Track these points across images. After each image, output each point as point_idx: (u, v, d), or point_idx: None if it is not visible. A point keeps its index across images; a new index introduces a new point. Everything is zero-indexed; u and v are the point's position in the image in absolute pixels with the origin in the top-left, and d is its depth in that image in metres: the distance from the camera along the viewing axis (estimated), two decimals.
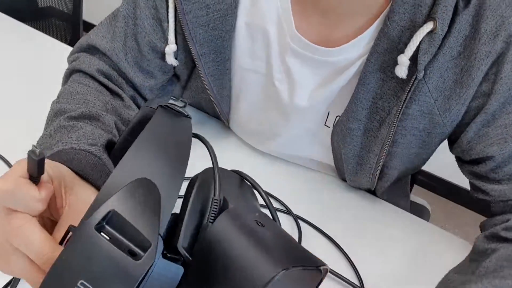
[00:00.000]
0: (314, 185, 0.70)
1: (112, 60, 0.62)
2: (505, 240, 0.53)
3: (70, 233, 0.31)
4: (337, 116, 0.62)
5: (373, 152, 0.60)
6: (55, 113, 0.54)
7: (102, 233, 0.30)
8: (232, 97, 0.67)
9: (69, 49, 0.91)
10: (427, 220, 0.95)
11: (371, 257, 0.60)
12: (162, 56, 0.63)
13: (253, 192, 0.46)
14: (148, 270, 0.30)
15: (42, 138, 0.50)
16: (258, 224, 0.37)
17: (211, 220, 0.36)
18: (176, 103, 0.42)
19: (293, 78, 0.59)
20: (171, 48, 0.61)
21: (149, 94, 0.67)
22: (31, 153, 0.33)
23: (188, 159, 0.37)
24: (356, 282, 0.55)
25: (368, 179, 0.65)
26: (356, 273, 0.57)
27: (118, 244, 0.30)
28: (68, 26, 1.43)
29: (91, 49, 0.63)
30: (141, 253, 0.30)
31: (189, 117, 0.43)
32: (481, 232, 0.59)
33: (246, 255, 0.34)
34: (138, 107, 0.66)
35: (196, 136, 0.42)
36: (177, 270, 0.34)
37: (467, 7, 0.49)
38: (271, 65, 0.60)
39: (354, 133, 0.60)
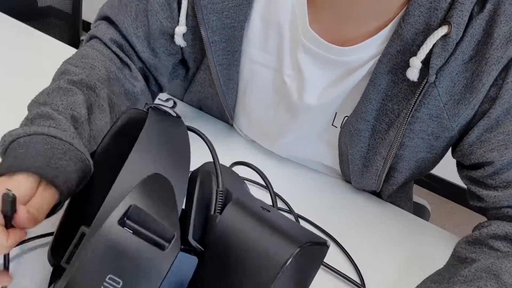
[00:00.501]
0: (317, 185, 0.70)
1: (122, 32, 0.62)
2: (491, 248, 0.52)
3: (83, 233, 0.32)
4: (345, 117, 0.62)
5: (380, 154, 0.60)
6: (61, 72, 0.56)
7: (125, 228, 0.30)
8: (239, 90, 0.67)
9: (68, 48, 0.91)
10: (427, 220, 0.95)
11: (372, 256, 0.60)
12: (168, 37, 0.63)
13: (246, 185, 0.48)
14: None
15: (42, 93, 0.51)
16: (264, 210, 0.38)
17: (218, 211, 0.37)
18: (165, 104, 0.44)
19: (304, 75, 0.59)
20: (180, 29, 0.61)
21: (156, 73, 0.66)
22: (6, 196, 0.36)
23: (190, 155, 0.38)
24: (357, 280, 0.55)
25: (374, 181, 0.64)
26: (356, 270, 0.57)
27: (142, 237, 0.30)
28: (68, 26, 1.43)
29: (107, 19, 0.64)
30: (166, 244, 0.31)
31: (179, 117, 0.43)
32: None
33: (260, 239, 0.35)
34: (146, 79, 0.66)
35: (192, 130, 0.42)
36: (192, 261, 0.35)
37: (482, 11, 0.49)
38: (282, 60, 0.60)
39: (362, 134, 0.60)
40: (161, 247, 0.31)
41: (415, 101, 0.53)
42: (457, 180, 0.63)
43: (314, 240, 0.35)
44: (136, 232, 0.30)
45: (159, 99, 0.43)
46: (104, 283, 0.29)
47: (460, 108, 0.54)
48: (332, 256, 0.58)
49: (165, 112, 0.43)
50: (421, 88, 0.52)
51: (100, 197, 0.46)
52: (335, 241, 0.60)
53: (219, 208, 0.38)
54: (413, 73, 0.51)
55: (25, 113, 0.53)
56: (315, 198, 0.68)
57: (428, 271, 0.55)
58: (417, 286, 0.53)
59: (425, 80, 0.51)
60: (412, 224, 0.67)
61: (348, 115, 0.61)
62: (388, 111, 0.57)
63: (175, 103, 0.45)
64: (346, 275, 0.55)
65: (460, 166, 0.62)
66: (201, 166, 0.44)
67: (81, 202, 0.45)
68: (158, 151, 0.36)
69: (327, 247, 0.37)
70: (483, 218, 0.62)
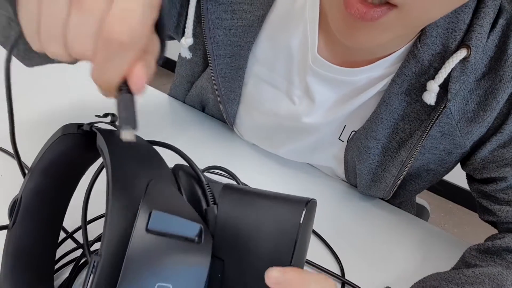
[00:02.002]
0: (318, 188, 0.70)
1: None
2: (503, 259, 0.51)
3: (94, 260, 0.30)
4: (352, 131, 0.61)
5: (390, 172, 0.59)
6: None
7: (153, 234, 0.30)
8: (241, 101, 0.66)
9: None
10: (427, 220, 0.95)
11: (370, 258, 0.60)
12: None
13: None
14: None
15: None
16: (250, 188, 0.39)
17: (212, 202, 0.38)
18: (104, 120, 0.39)
19: (313, 96, 0.58)
20: (187, 41, 0.60)
21: None
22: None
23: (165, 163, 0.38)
24: (356, 283, 0.56)
25: (381, 194, 0.65)
26: (340, 267, 0.57)
27: (174, 238, 0.30)
28: None
29: None
30: (196, 238, 0.31)
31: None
32: None
33: (266, 210, 0.36)
34: None
35: (158, 144, 0.40)
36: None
37: (494, 27, 0.48)
38: (291, 82, 0.59)
39: (372, 152, 0.59)
40: (195, 242, 0.31)
41: (431, 124, 0.52)
42: (456, 180, 0.63)
43: (309, 198, 0.38)
44: (165, 235, 0.30)
45: (96, 116, 0.39)
46: None
47: (473, 126, 0.53)
48: (325, 256, 0.59)
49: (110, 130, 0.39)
50: (438, 113, 0.51)
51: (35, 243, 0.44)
52: (324, 241, 0.61)
53: (212, 199, 0.38)
54: (430, 97, 0.50)
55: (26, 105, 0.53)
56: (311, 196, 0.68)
57: (427, 272, 0.55)
58: (416, 282, 0.53)
59: (443, 105, 0.50)
60: (411, 224, 0.67)
61: (356, 130, 0.60)
62: (399, 130, 0.56)
63: (114, 116, 0.38)
64: (336, 275, 0.56)
65: (471, 179, 0.61)
66: (172, 168, 0.42)
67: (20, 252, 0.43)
68: (139, 175, 0.34)
69: (315, 202, 0.39)
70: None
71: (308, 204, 0.37)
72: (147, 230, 0.29)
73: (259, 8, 0.54)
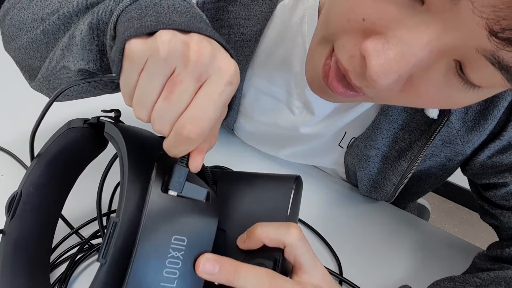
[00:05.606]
0: (316, 185, 0.70)
1: None
2: None
3: (113, 222, 0.32)
4: (352, 138, 0.61)
5: (391, 180, 0.60)
6: None
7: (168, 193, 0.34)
8: (240, 110, 0.66)
9: None
10: (427, 220, 0.95)
11: (370, 258, 0.60)
12: None
13: None
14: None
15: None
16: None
17: (212, 182, 0.42)
18: (109, 114, 0.40)
19: (312, 108, 0.58)
20: None
21: None
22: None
23: None
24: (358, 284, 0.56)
25: (382, 198, 0.65)
26: (338, 265, 0.57)
27: (185, 198, 0.34)
28: None
29: None
30: (204, 200, 0.35)
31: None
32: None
33: (261, 184, 0.41)
34: None
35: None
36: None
37: None
38: (291, 94, 0.59)
39: (371, 160, 0.59)
40: (204, 202, 0.35)
41: (433, 137, 0.52)
42: (456, 180, 0.63)
43: (297, 175, 0.42)
44: (178, 195, 0.34)
45: (102, 110, 0.41)
46: (171, 245, 0.33)
47: (474, 134, 0.52)
48: (323, 258, 0.59)
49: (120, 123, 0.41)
50: (440, 126, 0.51)
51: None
52: (325, 241, 0.61)
53: (211, 180, 0.42)
54: (433, 111, 0.50)
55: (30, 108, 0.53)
56: (310, 196, 0.68)
57: (427, 272, 0.55)
58: (429, 286, 0.52)
59: (446, 118, 0.50)
60: (411, 224, 0.67)
61: (356, 136, 0.60)
62: (399, 139, 0.56)
63: (118, 112, 0.41)
64: (337, 275, 0.56)
65: (472, 183, 0.61)
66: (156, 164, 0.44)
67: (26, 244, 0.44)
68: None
69: (301, 179, 0.42)
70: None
71: (297, 180, 0.41)
72: (162, 190, 0.33)
73: (256, 23, 0.54)
